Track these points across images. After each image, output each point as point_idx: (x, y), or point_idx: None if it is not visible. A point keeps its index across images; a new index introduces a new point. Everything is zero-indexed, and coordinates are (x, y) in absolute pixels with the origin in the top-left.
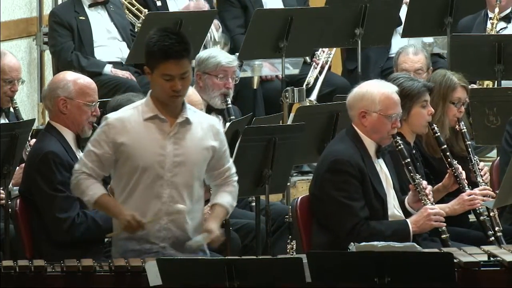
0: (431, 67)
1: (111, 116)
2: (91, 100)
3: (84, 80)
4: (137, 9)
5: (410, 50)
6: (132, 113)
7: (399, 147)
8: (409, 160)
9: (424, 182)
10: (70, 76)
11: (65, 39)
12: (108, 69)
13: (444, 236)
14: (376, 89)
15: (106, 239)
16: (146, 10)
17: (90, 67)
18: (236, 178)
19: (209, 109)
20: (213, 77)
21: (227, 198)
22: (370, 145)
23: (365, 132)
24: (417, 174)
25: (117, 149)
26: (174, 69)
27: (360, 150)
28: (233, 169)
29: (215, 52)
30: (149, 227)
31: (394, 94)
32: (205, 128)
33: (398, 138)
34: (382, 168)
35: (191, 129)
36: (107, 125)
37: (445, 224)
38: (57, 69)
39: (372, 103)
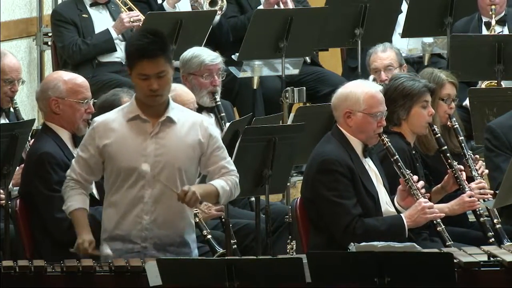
0: (405, 64)
1: (97, 119)
2: (83, 97)
3: (75, 78)
4: (129, 8)
5: (378, 49)
6: (117, 115)
7: (386, 144)
8: (397, 157)
9: (415, 177)
10: (60, 76)
11: (73, 33)
12: (114, 33)
13: (440, 228)
14: (359, 88)
15: (70, 250)
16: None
17: (96, 41)
18: (236, 174)
19: (200, 108)
20: (198, 77)
21: (220, 182)
22: (357, 145)
23: (351, 132)
24: (407, 170)
25: (102, 151)
26: (149, 68)
27: (347, 150)
28: (231, 167)
29: (198, 51)
30: (95, 253)
31: (378, 93)
32: (190, 126)
33: (384, 136)
34: (370, 166)
35: (175, 128)
36: (93, 129)
37: (439, 216)
38: (57, 69)
39: (357, 103)
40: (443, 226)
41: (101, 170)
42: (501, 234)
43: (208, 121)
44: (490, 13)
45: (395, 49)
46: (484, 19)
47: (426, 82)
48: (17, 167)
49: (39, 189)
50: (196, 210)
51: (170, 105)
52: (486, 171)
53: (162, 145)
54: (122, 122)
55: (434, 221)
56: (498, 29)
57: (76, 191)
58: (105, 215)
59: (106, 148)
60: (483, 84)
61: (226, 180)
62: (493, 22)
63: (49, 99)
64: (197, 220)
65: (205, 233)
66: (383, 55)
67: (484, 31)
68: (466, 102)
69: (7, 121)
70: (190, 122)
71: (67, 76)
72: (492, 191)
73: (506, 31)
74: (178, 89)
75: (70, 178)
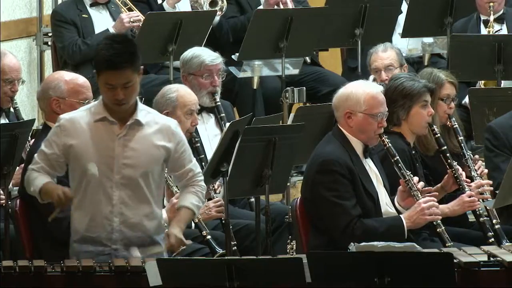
0: (405, 64)
1: (63, 117)
2: (84, 98)
3: (76, 78)
4: (129, 9)
5: (379, 48)
6: (84, 114)
7: (387, 145)
8: (397, 157)
9: (416, 178)
10: (61, 76)
11: (73, 33)
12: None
13: (439, 229)
14: (360, 89)
15: (49, 219)
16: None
17: (96, 41)
18: (201, 177)
19: (199, 108)
20: (198, 77)
21: (191, 199)
22: (357, 145)
23: (351, 133)
24: (407, 171)
25: (66, 151)
26: (115, 79)
27: (348, 150)
28: (197, 169)
29: (198, 51)
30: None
31: (378, 94)
32: (158, 129)
33: (385, 136)
34: (371, 167)
35: (142, 131)
36: (59, 127)
37: (439, 217)
38: (57, 69)
39: (357, 103)
40: (443, 227)
41: (63, 167)
42: (500, 234)
43: (175, 123)
44: (488, 10)
45: (396, 49)
46: (483, 17)
47: (425, 82)
48: (17, 167)
49: None
50: None
51: (138, 107)
52: (486, 171)
53: (130, 148)
54: (90, 122)
55: (434, 222)
56: (496, 27)
57: (38, 173)
58: (75, 217)
59: (72, 148)
60: (481, 84)
61: (196, 193)
62: (491, 19)
63: (50, 99)
64: (197, 221)
65: (205, 234)
66: (383, 55)
67: (483, 30)
68: (465, 100)
69: (7, 121)
70: (158, 125)
71: (68, 76)
72: (491, 188)
73: (504, 29)
74: (181, 90)
75: (32, 169)
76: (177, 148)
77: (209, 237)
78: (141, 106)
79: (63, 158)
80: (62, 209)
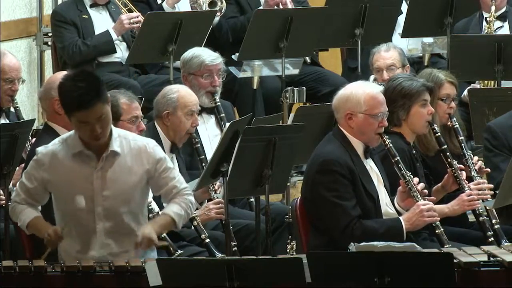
0: (408, 65)
1: (41, 150)
2: None
3: None
4: (129, 9)
5: (382, 48)
6: (61, 147)
7: (388, 145)
8: (398, 158)
9: (416, 179)
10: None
11: (73, 34)
12: (114, 35)
13: (438, 231)
14: (360, 90)
15: (42, 258)
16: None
17: (96, 42)
18: (188, 192)
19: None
20: (198, 77)
21: (172, 207)
22: (358, 146)
23: (352, 133)
24: (407, 172)
25: (46, 185)
26: (88, 116)
27: (349, 151)
28: (182, 185)
29: (198, 51)
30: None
31: (378, 94)
32: (135, 155)
33: (386, 137)
34: (371, 167)
35: (119, 160)
36: (36, 161)
37: (438, 219)
38: (57, 69)
39: (358, 104)
40: (441, 229)
41: (45, 198)
42: (500, 234)
43: (152, 144)
44: (490, 3)
45: (399, 49)
46: (485, 15)
47: (424, 81)
48: (17, 167)
49: None
50: (195, 214)
51: (113, 136)
52: (488, 170)
53: (108, 180)
54: (67, 156)
55: (433, 224)
56: (498, 24)
57: (24, 206)
58: (64, 243)
59: (51, 184)
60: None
61: (180, 203)
62: (493, 9)
63: (53, 99)
64: (196, 224)
65: (203, 237)
66: (386, 54)
67: (485, 27)
68: (464, 93)
69: (7, 121)
70: (134, 151)
71: None
72: (491, 185)
73: (506, 26)
74: (182, 90)
75: (15, 201)
76: (157, 168)
77: (207, 240)
78: (114, 133)
79: (43, 191)
80: (53, 248)
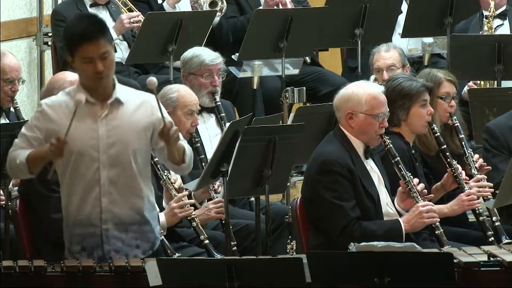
0: (408, 65)
1: (46, 101)
2: None
3: None
4: (129, 9)
5: (382, 48)
6: (65, 98)
7: (388, 146)
8: (398, 158)
9: (416, 180)
10: (65, 77)
11: None
12: (114, 34)
13: (438, 232)
14: (362, 89)
15: (48, 177)
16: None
17: None
18: (187, 145)
19: (200, 109)
20: (199, 77)
21: (183, 143)
22: (359, 146)
23: (352, 133)
24: (407, 172)
25: (49, 135)
26: (92, 50)
27: (349, 151)
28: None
29: (198, 51)
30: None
31: (380, 94)
32: (139, 105)
33: (386, 137)
34: (372, 167)
35: (124, 109)
36: (40, 112)
37: (438, 220)
38: (57, 69)
39: (359, 104)
40: (441, 230)
41: None
42: (500, 231)
43: (154, 100)
44: (489, 1)
45: (399, 49)
46: (485, 13)
47: (423, 81)
48: None
49: (37, 189)
50: (194, 215)
51: (117, 86)
52: (489, 167)
53: (113, 127)
54: (71, 105)
55: (433, 225)
56: (497, 22)
57: (20, 151)
58: (65, 201)
59: (55, 134)
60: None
61: (185, 144)
62: (492, 5)
63: None
64: (195, 225)
65: (203, 238)
66: (386, 54)
67: (485, 22)
68: (464, 90)
69: (7, 121)
70: (138, 101)
71: (72, 76)
72: (491, 184)
73: (506, 24)
74: (182, 90)
75: (13, 150)
76: (160, 120)
77: (207, 241)
78: (118, 84)
79: (44, 142)
80: (59, 157)
